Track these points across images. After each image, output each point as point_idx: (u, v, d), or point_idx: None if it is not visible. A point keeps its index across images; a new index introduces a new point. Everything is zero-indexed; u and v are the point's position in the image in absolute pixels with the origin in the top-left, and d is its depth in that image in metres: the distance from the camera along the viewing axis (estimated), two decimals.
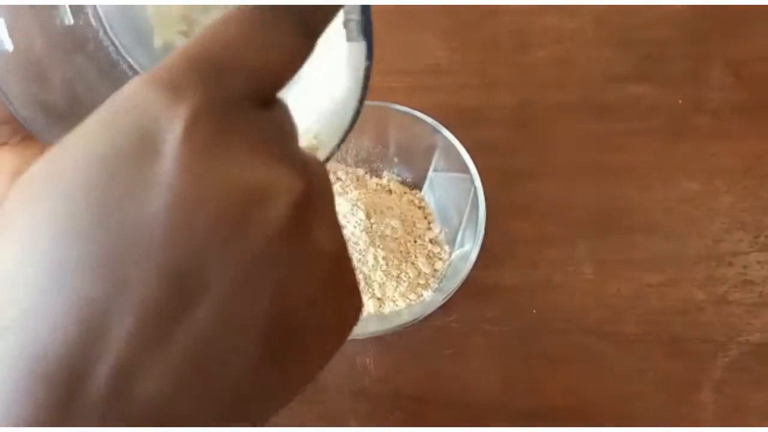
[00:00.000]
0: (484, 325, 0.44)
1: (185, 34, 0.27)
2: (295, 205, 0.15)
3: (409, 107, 0.44)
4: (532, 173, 0.48)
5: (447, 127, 0.44)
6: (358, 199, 0.44)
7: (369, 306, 0.42)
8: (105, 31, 0.27)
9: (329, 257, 0.17)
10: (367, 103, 0.43)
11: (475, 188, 0.41)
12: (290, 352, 0.16)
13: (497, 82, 0.51)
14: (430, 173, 0.46)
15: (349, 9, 0.24)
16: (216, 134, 0.14)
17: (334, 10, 0.18)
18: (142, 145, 0.14)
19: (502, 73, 0.51)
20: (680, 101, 0.48)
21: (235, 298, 0.14)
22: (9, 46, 0.24)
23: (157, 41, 0.28)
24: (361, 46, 0.25)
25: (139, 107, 0.14)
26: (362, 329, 0.41)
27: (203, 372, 0.14)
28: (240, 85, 0.15)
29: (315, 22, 0.17)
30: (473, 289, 0.43)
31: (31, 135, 0.26)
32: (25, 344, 0.13)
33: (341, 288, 0.18)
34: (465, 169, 0.42)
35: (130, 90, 0.15)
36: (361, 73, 0.25)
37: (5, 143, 0.26)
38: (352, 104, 0.26)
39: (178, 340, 0.14)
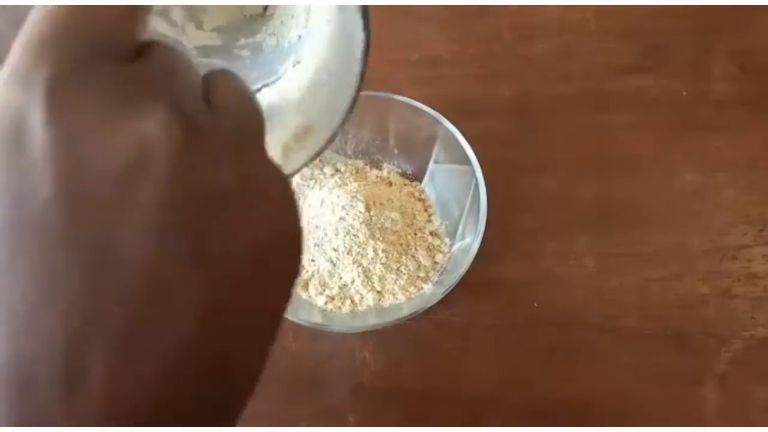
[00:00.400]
0: (484, 318, 0.43)
1: (161, 13, 0.27)
2: (174, 152, 0.15)
3: (410, 98, 0.44)
4: (534, 166, 0.47)
5: (448, 119, 0.43)
6: (357, 191, 0.43)
7: (368, 299, 0.41)
8: None
9: (238, 195, 0.16)
10: (366, 93, 0.43)
11: (477, 180, 0.41)
12: (234, 300, 0.16)
13: (498, 73, 0.50)
14: (431, 165, 0.46)
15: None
16: (76, 104, 0.14)
17: None
18: (13, 140, 0.14)
19: (504, 64, 0.51)
20: (684, 93, 0.48)
21: (152, 263, 0.15)
22: None
23: None
24: (356, 18, 0.24)
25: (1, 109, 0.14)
26: (362, 322, 0.41)
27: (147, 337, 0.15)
28: (84, 49, 0.15)
29: None
30: (474, 283, 0.43)
31: None
32: None
33: (263, 225, 0.17)
34: (466, 161, 0.42)
35: None
36: (359, 47, 0.25)
37: None
38: (351, 80, 0.26)
39: (114, 314, 0.14)
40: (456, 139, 0.42)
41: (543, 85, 0.49)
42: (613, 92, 0.48)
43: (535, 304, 0.43)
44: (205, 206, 0.15)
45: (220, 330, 0.16)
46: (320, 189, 0.45)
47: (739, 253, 0.43)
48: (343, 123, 0.28)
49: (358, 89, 0.27)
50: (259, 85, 0.29)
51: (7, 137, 0.14)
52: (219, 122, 0.17)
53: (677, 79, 0.48)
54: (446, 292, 0.40)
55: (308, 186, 0.45)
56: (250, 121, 0.18)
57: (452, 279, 0.40)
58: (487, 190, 0.41)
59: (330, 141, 0.29)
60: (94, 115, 0.14)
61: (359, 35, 0.24)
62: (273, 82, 0.29)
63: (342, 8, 0.24)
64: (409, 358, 0.43)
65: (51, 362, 0.14)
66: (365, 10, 0.24)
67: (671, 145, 0.46)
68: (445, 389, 0.42)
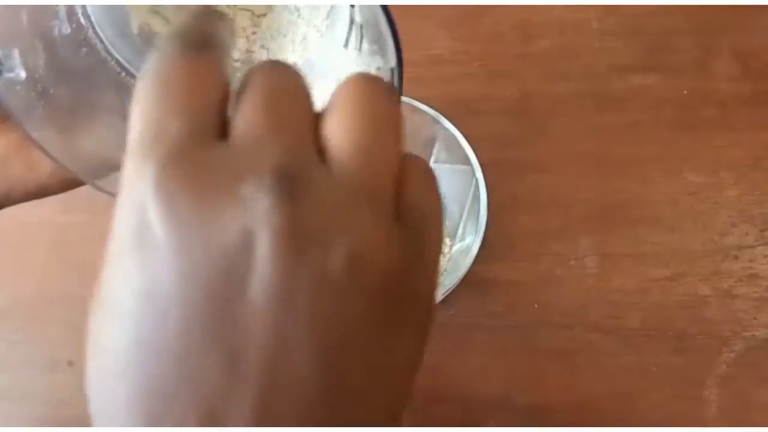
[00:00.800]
0: (484, 319, 0.43)
1: (157, 12, 0.27)
2: (277, 248, 0.14)
3: (410, 97, 0.44)
4: (535, 165, 0.47)
5: (448, 118, 0.43)
6: None
7: None
8: (93, 29, 0.27)
9: (354, 282, 0.15)
10: None
11: (477, 180, 0.41)
12: (353, 372, 0.16)
13: (500, 72, 0.50)
14: (431, 165, 0.46)
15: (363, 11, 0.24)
16: (183, 198, 0.15)
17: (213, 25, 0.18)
18: (138, 238, 0.15)
19: (505, 63, 0.50)
20: (686, 92, 0.47)
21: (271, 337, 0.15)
22: (22, 73, 0.24)
23: (134, 25, 0.27)
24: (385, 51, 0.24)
25: (123, 212, 0.15)
26: None
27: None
28: (182, 137, 0.15)
29: (209, 29, 0.17)
30: (474, 284, 0.43)
31: (6, 118, 0.25)
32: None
33: (399, 306, 0.16)
34: (466, 161, 0.42)
35: (117, 198, 0.16)
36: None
37: None
38: None
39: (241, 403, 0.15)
40: (456, 139, 0.42)
41: (544, 84, 0.49)
42: (615, 91, 0.48)
43: (536, 305, 0.43)
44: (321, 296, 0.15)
45: (341, 404, 0.16)
46: None
47: (741, 254, 0.43)
48: None
49: None
50: None
51: (134, 235, 0.15)
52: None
53: (680, 79, 0.48)
54: (446, 293, 0.39)
55: None
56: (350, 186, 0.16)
57: (452, 280, 0.39)
58: (487, 191, 0.41)
59: None
60: (200, 208, 0.14)
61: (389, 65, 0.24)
62: None
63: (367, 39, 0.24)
64: None
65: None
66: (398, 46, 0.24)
67: (673, 145, 0.46)
68: (445, 391, 0.42)
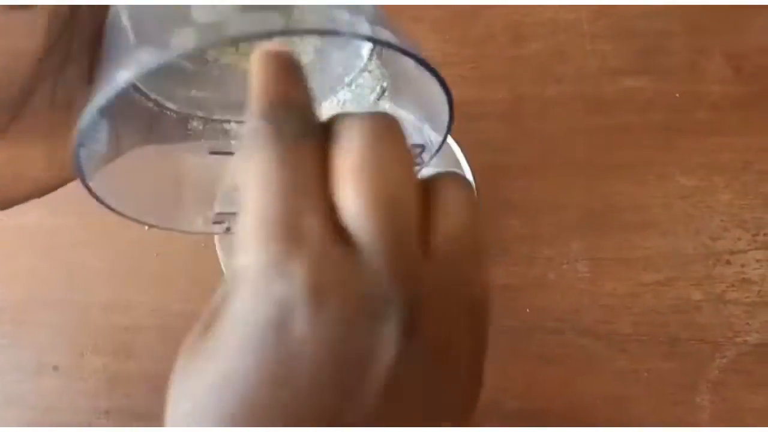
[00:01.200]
0: None
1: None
2: (397, 353, 0.16)
3: None
4: (526, 169, 0.47)
5: None
6: None
7: None
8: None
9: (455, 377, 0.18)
10: None
11: None
12: None
13: (491, 75, 0.50)
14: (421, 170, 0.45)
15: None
16: (332, 303, 0.15)
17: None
18: (278, 325, 0.15)
19: (497, 66, 0.50)
20: (678, 95, 0.47)
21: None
22: (104, 148, 0.23)
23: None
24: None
25: (258, 305, 0.15)
26: None
27: None
28: (313, 229, 0.15)
29: (306, 112, 0.17)
30: None
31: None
32: None
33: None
34: (457, 165, 0.41)
35: (239, 287, 0.16)
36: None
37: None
38: None
39: None
40: (447, 144, 0.41)
41: (536, 86, 0.49)
42: (607, 94, 0.48)
43: (528, 310, 0.43)
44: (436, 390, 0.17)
45: None
46: None
47: (733, 258, 0.43)
48: None
49: None
50: None
51: (271, 327, 0.15)
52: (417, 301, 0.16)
53: (671, 81, 0.47)
54: None
55: None
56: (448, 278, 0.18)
57: None
58: (478, 195, 0.40)
59: None
60: (346, 317, 0.15)
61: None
62: None
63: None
64: None
65: None
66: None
67: (665, 148, 0.46)
68: None
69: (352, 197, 0.16)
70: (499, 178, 0.46)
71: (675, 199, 0.45)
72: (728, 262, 0.43)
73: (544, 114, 0.48)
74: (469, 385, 0.19)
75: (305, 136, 0.16)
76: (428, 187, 0.18)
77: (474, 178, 0.41)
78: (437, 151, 0.24)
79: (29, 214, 0.54)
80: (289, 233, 0.15)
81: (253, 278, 0.15)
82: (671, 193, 0.45)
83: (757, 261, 0.42)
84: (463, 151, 0.42)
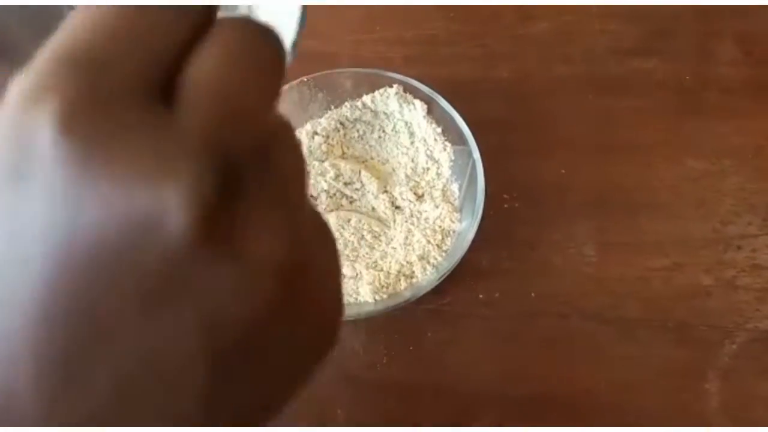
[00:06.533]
0: (479, 308, 0.42)
1: None
2: (191, 228, 0.12)
3: (404, 76, 0.42)
4: (532, 150, 0.45)
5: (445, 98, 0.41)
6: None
7: None
8: None
9: (271, 271, 0.14)
10: (361, 69, 0.41)
11: (474, 161, 0.39)
12: (250, 373, 0.15)
13: (497, 54, 0.48)
14: None
15: None
16: (92, 142, 0.12)
17: None
18: (18, 165, 0.12)
19: (503, 45, 0.49)
20: (688, 77, 0.46)
21: (145, 338, 0.13)
22: None
23: None
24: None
25: (10, 122, 0.12)
26: (354, 310, 0.39)
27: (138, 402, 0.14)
28: (120, 77, 0.13)
29: None
30: (468, 271, 0.41)
31: None
32: None
33: (303, 303, 0.15)
34: (462, 142, 0.40)
35: (5, 104, 0.13)
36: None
37: None
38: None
39: (99, 381, 0.13)
40: (452, 119, 0.40)
41: (543, 66, 0.48)
42: (615, 75, 0.47)
43: (533, 294, 0.42)
44: (235, 290, 0.14)
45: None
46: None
47: (743, 243, 0.42)
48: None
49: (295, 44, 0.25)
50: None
51: (9, 155, 0.12)
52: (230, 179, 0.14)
53: (681, 63, 0.46)
54: (441, 279, 0.38)
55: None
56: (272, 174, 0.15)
57: (448, 265, 0.38)
58: (484, 173, 0.39)
59: None
60: (108, 164, 0.12)
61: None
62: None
63: None
64: (401, 349, 0.41)
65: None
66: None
67: (675, 131, 0.45)
68: (438, 382, 0.40)
69: (208, 64, 0.14)
70: (504, 158, 0.44)
71: (684, 182, 0.43)
72: (739, 247, 0.42)
73: (551, 94, 0.47)
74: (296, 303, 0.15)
75: (190, 9, 0.14)
76: None
77: (481, 157, 0.39)
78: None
79: None
80: (85, 59, 0.13)
81: (8, 100, 0.13)
82: (680, 176, 0.44)
83: None
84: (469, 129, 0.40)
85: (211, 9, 0.14)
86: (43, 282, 0.13)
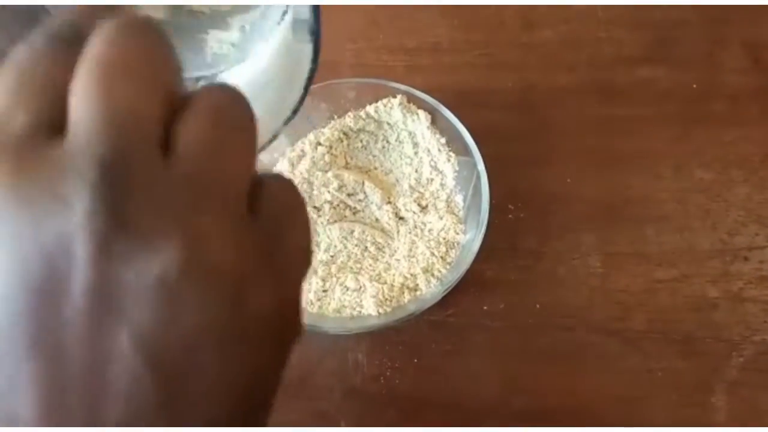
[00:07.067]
0: (483, 320, 0.41)
1: None
2: (94, 254, 0.13)
3: (407, 85, 0.42)
4: (537, 159, 0.45)
5: (448, 108, 0.41)
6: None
7: None
8: None
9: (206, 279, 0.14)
10: (364, 80, 0.41)
11: (479, 172, 0.39)
12: (193, 379, 0.15)
13: (501, 62, 0.48)
14: None
15: (298, 8, 0.23)
16: (12, 183, 0.14)
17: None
18: None
19: (507, 53, 0.48)
20: (695, 86, 0.46)
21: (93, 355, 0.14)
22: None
23: None
24: (307, 48, 0.23)
25: None
26: (357, 323, 0.38)
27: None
28: (21, 124, 0.14)
29: (86, 25, 0.16)
30: (473, 282, 0.41)
31: None
32: None
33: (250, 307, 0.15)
34: (467, 152, 0.40)
35: None
36: (303, 75, 0.23)
37: None
38: (289, 103, 0.25)
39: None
40: (456, 129, 0.40)
41: (547, 75, 0.47)
42: (621, 84, 0.46)
43: (537, 306, 0.41)
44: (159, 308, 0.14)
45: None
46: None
47: (751, 254, 0.41)
48: (279, 131, 0.26)
49: (296, 110, 0.25)
50: (196, 75, 0.27)
51: None
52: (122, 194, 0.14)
53: (688, 72, 0.46)
54: (446, 291, 0.37)
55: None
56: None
57: (453, 277, 0.37)
58: (490, 186, 0.39)
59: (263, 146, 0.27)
60: (23, 205, 0.14)
61: (306, 65, 0.23)
62: (212, 76, 0.27)
63: (295, 32, 0.23)
64: (405, 361, 0.41)
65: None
66: (317, 45, 0.23)
67: (681, 140, 0.44)
68: (442, 394, 0.40)
69: (75, 89, 0.15)
70: (509, 168, 0.44)
71: (691, 192, 0.43)
72: (746, 259, 0.41)
73: (556, 103, 0.46)
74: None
75: (62, 48, 0.15)
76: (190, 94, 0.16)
77: (485, 167, 0.39)
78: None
79: None
80: None
81: None
82: (687, 186, 0.43)
83: None
84: (473, 138, 0.40)
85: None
86: None
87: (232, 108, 0.16)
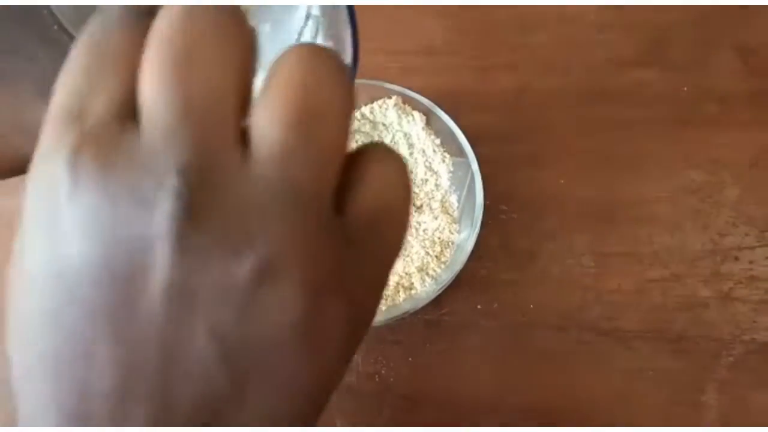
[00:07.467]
0: (478, 319, 0.42)
1: None
2: (174, 256, 0.13)
3: (402, 86, 0.42)
4: (530, 161, 0.46)
5: (443, 110, 0.41)
6: None
7: None
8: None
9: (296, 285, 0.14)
10: (359, 80, 0.41)
11: (473, 173, 0.39)
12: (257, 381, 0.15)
13: (495, 64, 0.49)
14: None
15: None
16: (97, 177, 0.14)
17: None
18: (48, 224, 0.14)
19: (501, 55, 0.49)
20: (686, 88, 0.46)
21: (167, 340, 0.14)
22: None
23: None
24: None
25: (34, 186, 0.14)
26: None
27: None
28: (99, 111, 0.14)
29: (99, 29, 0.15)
30: (467, 282, 0.41)
31: None
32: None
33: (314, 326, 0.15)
34: (461, 153, 0.40)
35: (31, 166, 0.15)
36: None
37: None
38: None
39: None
40: (451, 131, 0.40)
41: (541, 77, 0.48)
42: (614, 86, 0.47)
43: (531, 305, 0.42)
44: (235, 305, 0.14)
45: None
46: None
47: (741, 255, 0.42)
48: None
49: None
50: None
51: (46, 210, 0.14)
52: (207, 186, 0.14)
53: (680, 74, 0.46)
54: (440, 290, 0.38)
55: None
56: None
57: (446, 277, 0.38)
58: (484, 186, 0.39)
59: None
60: (108, 199, 0.13)
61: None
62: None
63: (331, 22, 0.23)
64: (399, 360, 0.41)
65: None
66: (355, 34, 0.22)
67: (673, 142, 0.45)
68: (437, 393, 0.40)
69: (146, 76, 0.14)
70: (502, 169, 0.44)
71: (682, 194, 0.44)
72: (736, 259, 0.42)
73: (550, 105, 0.47)
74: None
75: (130, 25, 0.15)
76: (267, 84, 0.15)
77: (479, 168, 0.40)
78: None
79: None
80: (69, 114, 0.14)
81: (35, 159, 0.14)
82: (678, 187, 0.44)
83: (766, 258, 0.42)
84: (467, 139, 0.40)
85: (143, 20, 0.15)
86: (83, 308, 0.14)
87: (319, 89, 0.14)
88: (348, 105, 0.15)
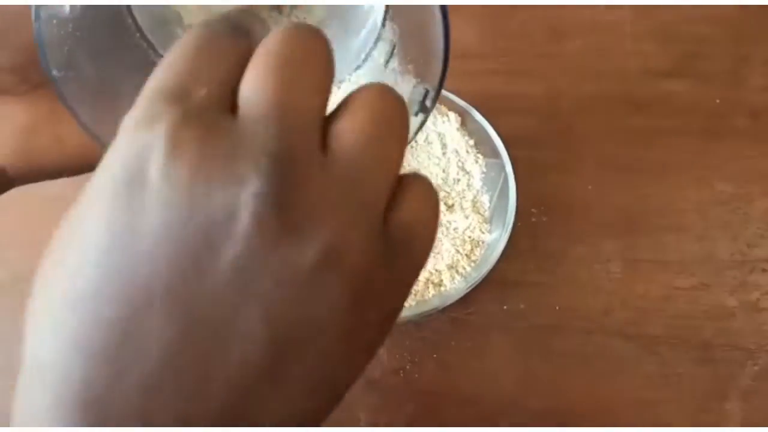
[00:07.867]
0: (503, 319, 0.42)
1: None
2: (253, 231, 0.15)
3: None
4: (561, 166, 0.46)
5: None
6: None
7: None
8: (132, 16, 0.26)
9: (340, 273, 0.16)
10: None
11: (506, 174, 0.40)
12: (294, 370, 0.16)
13: (528, 70, 0.49)
14: None
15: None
16: (189, 160, 0.15)
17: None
18: (131, 185, 0.15)
19: (534, 61, 0.50)
20: (718, 101, 0.47)
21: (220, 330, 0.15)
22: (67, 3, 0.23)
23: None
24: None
25: (122, 151, 0.15)
26: None
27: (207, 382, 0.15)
28: (202, 97, 0.16)
29: (248, 23, 0.18)
30: (494, 282, 0.42)
31: (38, 86, 0.24)
32: None
33: (363, 313, 0.17)
34: (494, 155, 0.41)
35: (116, 139, 0.16)
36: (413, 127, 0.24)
37: (9, 92, 0.25)
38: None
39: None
40: (486, 132, 0.41)
41: (574, 84, 0.48)
42: (646, 96, 0.47)
43: (557, 308, 0.42)
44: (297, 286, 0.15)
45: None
46: None
47: None
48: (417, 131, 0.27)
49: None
50: None
51: (128, 176, 0.15)
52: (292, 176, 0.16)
53: (712, 86, 0.47)
54: (469, 289, 0.38)
55: None
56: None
57: (476, 276, 0.38)
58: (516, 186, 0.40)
59: None
60: (200, 173, 0.15)
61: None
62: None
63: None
64: (424, 356, 0.42)
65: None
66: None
67: (703, 154, 0.45)
68: (460, 390, 0.41)
69: (251, 76, 0.16)
70: (533, 173, 0.45)
71: (711, 204, 0.44)
72: (763, 270, 0.42)
73: (582, 111, 0.47)
74: (353, 320, 0.16)
75: (235, 36, 0.17)
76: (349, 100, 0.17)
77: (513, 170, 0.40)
78: (434, 101, 0.25)
79: (56, 184, 0.53)
80: (174, 93, 0.15)
81: (125, 127, 0.15)
82: (708, 198, 0.44)
83: None
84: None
85: (250, 36, 0.17)
86: (147, 271, 0.15)
87: (388, 112, 0.17)
88: (407, 132, 0.18)
